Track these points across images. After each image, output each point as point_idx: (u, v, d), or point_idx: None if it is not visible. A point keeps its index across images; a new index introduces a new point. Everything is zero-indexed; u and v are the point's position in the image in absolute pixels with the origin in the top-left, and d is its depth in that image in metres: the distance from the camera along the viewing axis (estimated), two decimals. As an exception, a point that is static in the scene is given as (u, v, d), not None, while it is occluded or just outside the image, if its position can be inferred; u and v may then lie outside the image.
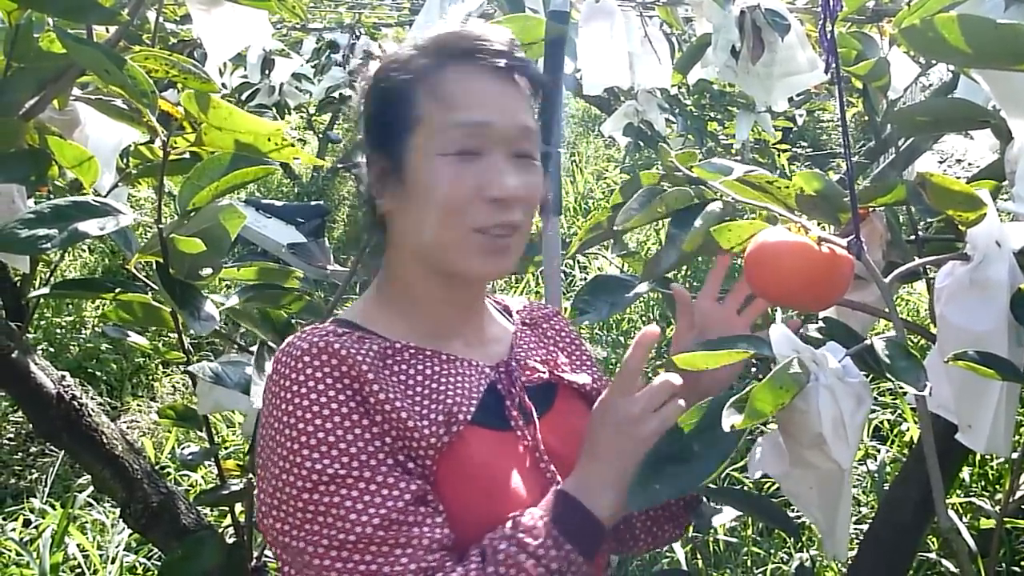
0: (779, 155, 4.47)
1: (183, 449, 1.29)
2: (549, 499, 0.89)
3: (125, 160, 1.42)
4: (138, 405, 4.16)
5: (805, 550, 2.48)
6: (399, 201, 0.96)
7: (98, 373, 4.25)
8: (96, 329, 4.72)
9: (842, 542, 0.92)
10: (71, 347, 4.45)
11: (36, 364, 1.38)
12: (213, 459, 1.32)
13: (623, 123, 3.67)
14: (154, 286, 1.15)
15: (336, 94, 4.55)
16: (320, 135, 7.14)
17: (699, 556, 2.55)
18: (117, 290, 1.13)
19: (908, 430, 2.74)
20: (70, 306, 4.80)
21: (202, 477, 3.08)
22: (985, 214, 0.93)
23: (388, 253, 1.02)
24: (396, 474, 0.85)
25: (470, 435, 0.93)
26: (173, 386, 4.38)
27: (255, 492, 0.92)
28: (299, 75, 4.47)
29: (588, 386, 1.08)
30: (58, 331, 4.53)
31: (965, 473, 2.55)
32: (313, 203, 6.26)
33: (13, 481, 3.44)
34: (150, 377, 4.42)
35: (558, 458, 0.98)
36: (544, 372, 1.04)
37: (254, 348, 1.18)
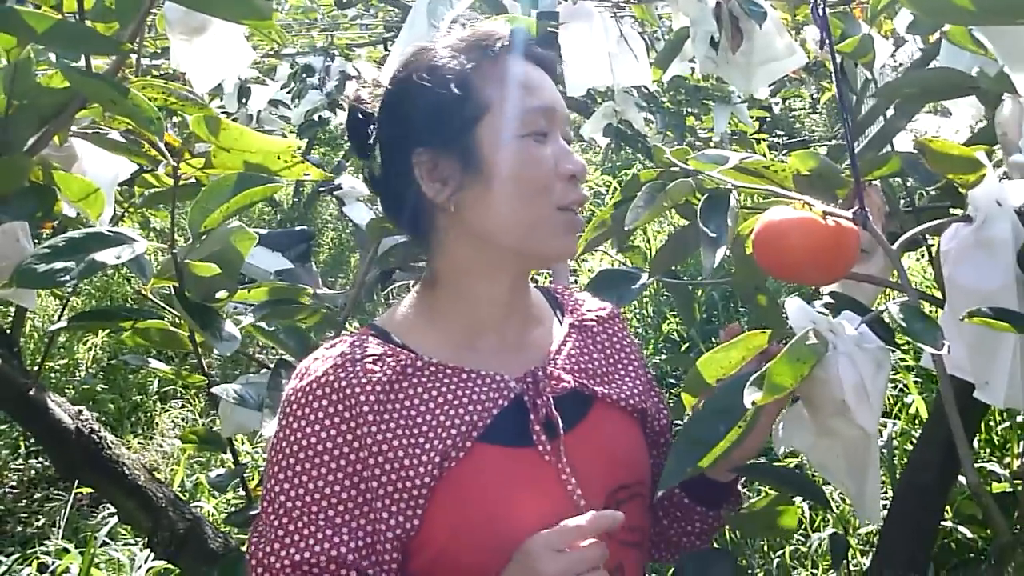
0: (757, 144, 4.50)
1: (211, 473, 1.30)
2: None
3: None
4: (139, 443, 4.14)
5: (821, 529, 2.50)
6: (472, 191, 0.96)
7: (96, 414, 4.22)
8: (90, 371, 4.70)
9: (874, 507, 0.93)
10: (66, 390, 4.43)
11: (52, 400, 1.38)
12: (240, 480, 1.33)
13: (603, 124, 3.69)
14: (171, 311, 1.16)
15: (316, 117, 4.55)
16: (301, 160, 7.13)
17: (714, 543, 2.56)
18: (134, 318, 1.14)
19: (913, 403, 2.77)
20: (62, 350, 4.78)
21: (214, 507, 3.07)
22: (984, 175, 0.95)
23: (440, 252, 1.01)
24: (332, 529, 0.89)
25: (477, 455, 0.92)
26: (172, 421, 4.36)
27: None
28: (276, 101, 4.47)
29: (625, 400, 1.04)
30: (52, 375, 4.51)
31: (974, 440, 2.58)
32: (298, 228, 6.27)
33: (20, 528, 3.41)
34: (148, 414, 4.41)
35: (581, 476, 0.95)
36: (570, 382, 1.00)
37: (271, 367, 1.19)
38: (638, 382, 1.08)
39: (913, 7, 0.65)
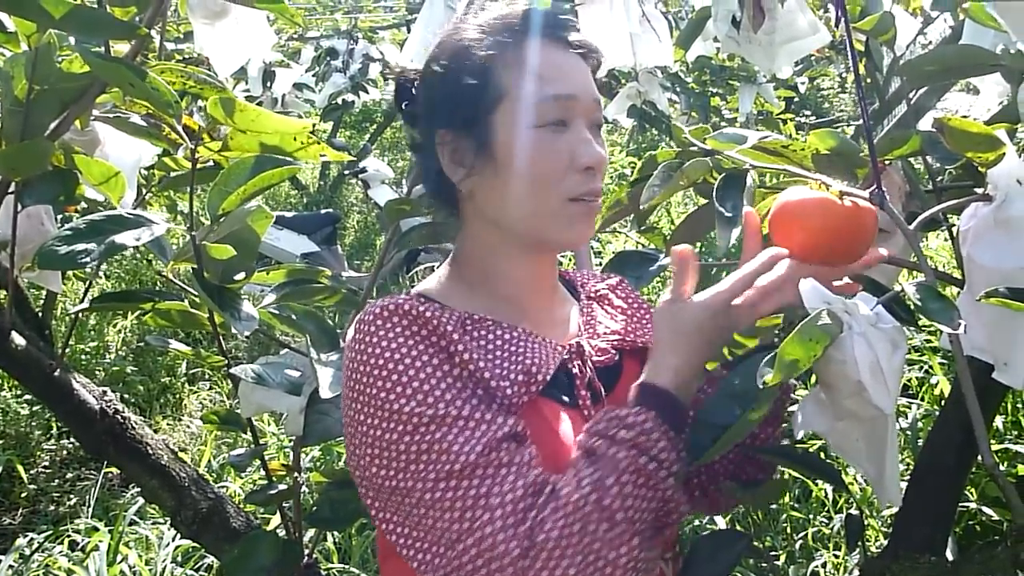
0: (784, 125, 4.46)
1: (232, 452, 1.32)
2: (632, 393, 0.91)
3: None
4: (168, 424, 4.20)
5: (844, 510, 2.49)
6: (484, 177, 0.97)
7: (125, 395, 4.30)
8: (120, 353, 4.76)
9: (893, 488, 0.92)
10: (96, 372, 4.50)
11: (77, 382, 1.40)
12: (259, 460, 1.34)
13: (626, 105, 3.68)
14: (192, 292, 1.17)
15: (339, 100, 4.57)
16: (325, 142, 7.17)
17: (738, 526, 2.57)
18: (155, 299, 1.15)
19: (937, 383, 2.75)
20: (92, 332, 4.85)
21: (240, 487, 3.11)
22: (1004, 154, 0.94)
23: (464, 231, 1.04)
24: (492, 410, 0.87)
25: (539, 405, 0.94)
26: (200, 403, 4.42)
27: (347, 453, 0.93)
28: (300, 84, 4.50)
29: None
30: (83, 357, 4.58)
31: (998, 421, 2.56)
32: (323, 211, 6.31)
33: (52, 508, 3.48)
34: (177, 396, 4.47)
35: None
36: (615, 353, 1.03)
37: (296, 347, 1.20)
38: None
39: (924, -18, 0.64)
